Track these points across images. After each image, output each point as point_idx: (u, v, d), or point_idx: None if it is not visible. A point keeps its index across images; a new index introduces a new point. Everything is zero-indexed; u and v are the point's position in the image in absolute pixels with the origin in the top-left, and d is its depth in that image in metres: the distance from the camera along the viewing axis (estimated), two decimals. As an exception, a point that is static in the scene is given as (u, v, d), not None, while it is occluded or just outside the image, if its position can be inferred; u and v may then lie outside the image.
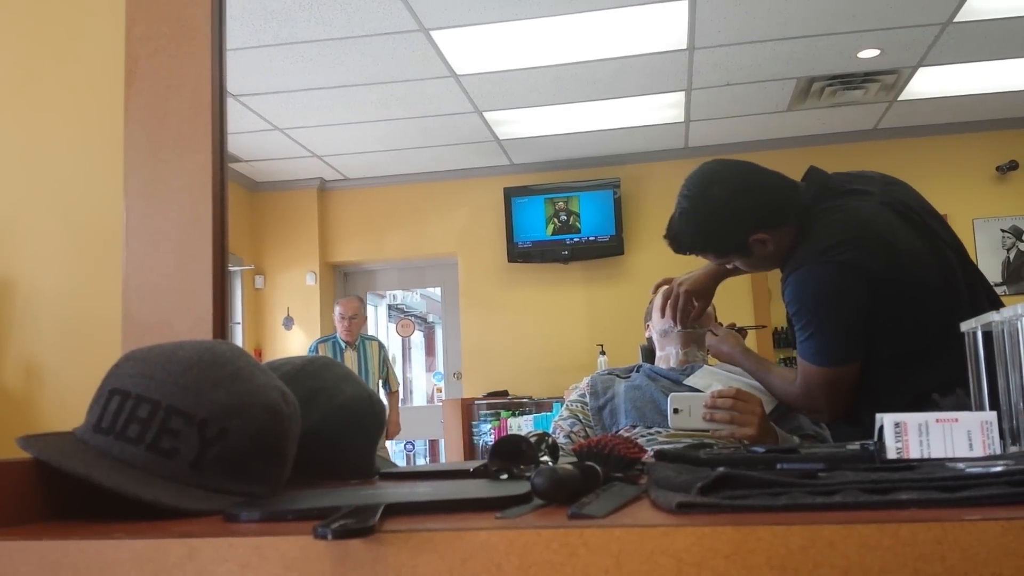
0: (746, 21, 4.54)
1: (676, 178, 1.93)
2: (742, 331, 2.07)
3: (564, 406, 2.13)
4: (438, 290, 7.78)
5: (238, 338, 6.56)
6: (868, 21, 4.57)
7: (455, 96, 5.39)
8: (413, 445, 8.42)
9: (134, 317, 1.16)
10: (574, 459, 0.99)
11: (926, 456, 0.86)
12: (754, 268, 1.93)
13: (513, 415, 6.10)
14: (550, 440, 1.10)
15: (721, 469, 0.71)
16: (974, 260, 1.92)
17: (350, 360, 5.81)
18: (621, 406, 2.00)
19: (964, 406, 1.26)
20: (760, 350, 3.27)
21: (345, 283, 7.42)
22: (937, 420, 0.87)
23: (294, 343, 6.86)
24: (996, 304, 1.67)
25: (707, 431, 1.75)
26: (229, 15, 1.21)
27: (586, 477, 0.79)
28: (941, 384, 1.58)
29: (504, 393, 6.60)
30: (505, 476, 0.97)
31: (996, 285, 6.09)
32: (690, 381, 1.99)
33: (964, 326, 1.17)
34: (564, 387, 4.95)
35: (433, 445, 8.31)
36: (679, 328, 2.06)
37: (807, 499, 0.65)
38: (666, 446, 1.57)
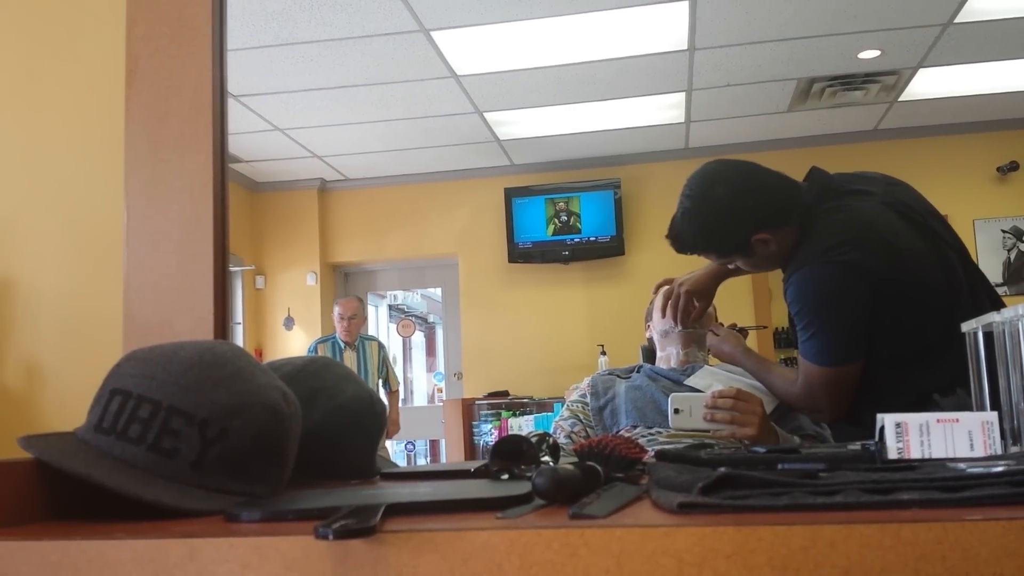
0: (747, 22, 4.54)
1: (677, 179, 1.93)
2: (743, 331, 2.07)
3: (565, 406, 2.13)
4: (439, 290, 7.78)
5: (239, 338, 6.55)
6: (869, 22, 4.57)
7: (455, 96, 5.40)
8: (414, 445, 8.43)
9: (135, 317, 1.16)
10: (575, 459, 0.99)
11: (927, 456, 0.86)
12: (756, 268, 1.93)
13: (514, 415, 6.10)
14: (551, 440, 1.10)
15: (722, 469, 0.71)
16: (975, 261, 1.92)
17: (349, 360, 5.81)
18: (622, 406, 2.00)
19: (965, 406, 1.26)
20: (761, 351, 3.26)
21: (346, 283, 7.42)
22: (938, 420, 0.86)
23: (295, 343, 6.86)
24: (998, 304, 1.67)
25: (708, 431, 1.75)
26: (230, 15, 1.21)
27: (587, 477, 0.78)
28: (942, 384, 1.58)
29: (505, 393, 6.60)
30: (506, 476, 0.97)
31: (997, 286, 6.08)
32: (691, 381, 1.99)
33: (965, 326, 1.17)
34: (565, 387, 4.95)
35: (434, 445, 8.31)
36: (680, 328, 2.06)
37: (808, 499, 0.65)
38: (667, 446, 1.57)
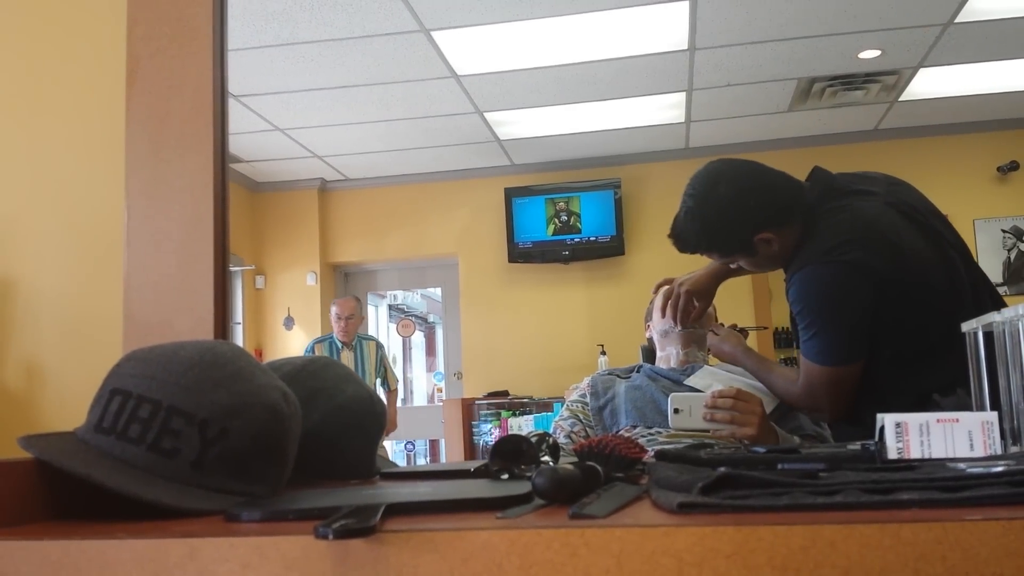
0: (747, 22, 4.54)
1: (677, 178, 1.93)
2: (743, 332, 2.07)
3: (564, 406, 2.13)
4: (439, 290, 7.78)
5: (239, 338, 6.56)
6: (869, 22, 4.57)
7: (456, 96, 5.40)
8: (414, 445, 8.42)
9: (135, 317, 1.16)
10: (575, 459, 0.99)
11: (927, 456, 0.86)
12: (758, 268, 1.93)
13: (514, 415, 6.10)
14: (551, 440, 1.10)
15: (722, 469, 0.71)
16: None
17: (347, 360, 5.81)
18: (622, 406, 2.00)
19: (965, 406, 1.26)
20: (761, 351, 3.26)
21: (346, 283, 7.42)
22: (938, 420, 0.86)
23: (295, 343, 6.86)
24: (999, 304, 1.67)
25: (708, 431, 1.75)
26: (230, 16, 1.21)
27: (587, 477, 0.78)
28: (943, 384, 1.58)
29: (505, 393, 6.61)
30: (506, 476, 0.97)
31: (997, 286, 6.06)
32: (690, 381, 1.99)
33: (965, 326, 1.17)
34: (565, 387, 4.95)
35: (434, 445, 8.31)
36: (680, 328, 2.06)
37: (808, 499, 0.65)
38: (667, 446, 1.57)
